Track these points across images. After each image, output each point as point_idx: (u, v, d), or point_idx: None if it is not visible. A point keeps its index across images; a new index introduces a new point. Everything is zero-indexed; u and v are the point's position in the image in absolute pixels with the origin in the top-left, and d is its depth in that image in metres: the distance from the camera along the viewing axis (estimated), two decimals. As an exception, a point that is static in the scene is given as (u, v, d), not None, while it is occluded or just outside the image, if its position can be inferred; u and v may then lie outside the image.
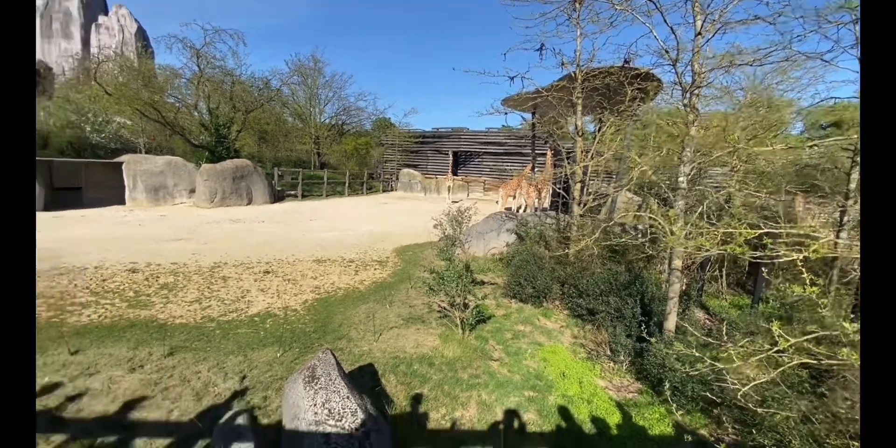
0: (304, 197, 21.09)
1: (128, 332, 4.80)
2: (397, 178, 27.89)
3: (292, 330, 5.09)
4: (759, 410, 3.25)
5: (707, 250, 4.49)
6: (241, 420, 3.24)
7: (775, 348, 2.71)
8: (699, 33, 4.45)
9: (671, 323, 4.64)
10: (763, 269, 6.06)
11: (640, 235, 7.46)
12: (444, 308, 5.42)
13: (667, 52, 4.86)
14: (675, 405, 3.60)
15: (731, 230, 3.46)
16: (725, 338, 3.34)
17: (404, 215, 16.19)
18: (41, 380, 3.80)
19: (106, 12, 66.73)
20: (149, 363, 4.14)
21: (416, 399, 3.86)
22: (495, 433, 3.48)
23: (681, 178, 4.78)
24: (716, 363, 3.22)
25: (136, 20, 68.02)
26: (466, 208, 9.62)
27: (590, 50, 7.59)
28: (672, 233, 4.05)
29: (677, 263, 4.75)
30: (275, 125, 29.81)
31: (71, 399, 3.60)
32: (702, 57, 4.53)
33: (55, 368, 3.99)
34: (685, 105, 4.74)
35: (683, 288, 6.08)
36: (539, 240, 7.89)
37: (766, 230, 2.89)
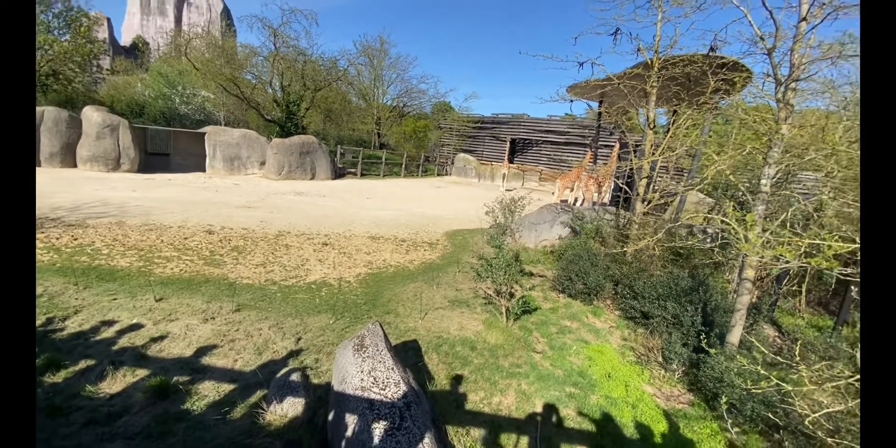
0: (362, 175, 21.81)
1: (203, 286, 5.32)
2: (452, 163, 27.91)
3: (345, 300, 5.37)
4: (830, 441, 2.96)
5: (786, 262, 4.09)
6: (294, 377, 3.50)
7: (857, 377, 2.44)
8: (804, 18, 3.90)
9: (735, 336, 4.32)
10: (853, 287, 5.41)
11: (708, 239, 6.93)
12: (490, 295, 5.42)
13: (762, 39, 4.34)
14: (730, 422, 3.38)
15: (818, 242, 3.11)
16: (798, 359, 3.06)
17: (457, 200, 16.25)
18: (130, 321, 4.34)
19: (198, -9, 71.60)
20: (219, 316, 4.57)
21: (457, 380, 3.94)
22: (532, 423, 3.48)
23: (763, 181, 4.34)
24: (783, 384, 2.97)
25: (222, 0, 72.59)
26: (520, 197, 9.45)
27: (671, 35, 6.98)
28: (747, 239, 3.72)
29: (749, 273, 4.37)
30: (340, 104, 30.81)
31: (154, 340, 4.09)
32: (804, 46, 3.99)
33: (142, 312, 4.53)
34: (778, 100, 4.25)
35: (753, 300, 5.60)
36: (595, 235, 7.59)
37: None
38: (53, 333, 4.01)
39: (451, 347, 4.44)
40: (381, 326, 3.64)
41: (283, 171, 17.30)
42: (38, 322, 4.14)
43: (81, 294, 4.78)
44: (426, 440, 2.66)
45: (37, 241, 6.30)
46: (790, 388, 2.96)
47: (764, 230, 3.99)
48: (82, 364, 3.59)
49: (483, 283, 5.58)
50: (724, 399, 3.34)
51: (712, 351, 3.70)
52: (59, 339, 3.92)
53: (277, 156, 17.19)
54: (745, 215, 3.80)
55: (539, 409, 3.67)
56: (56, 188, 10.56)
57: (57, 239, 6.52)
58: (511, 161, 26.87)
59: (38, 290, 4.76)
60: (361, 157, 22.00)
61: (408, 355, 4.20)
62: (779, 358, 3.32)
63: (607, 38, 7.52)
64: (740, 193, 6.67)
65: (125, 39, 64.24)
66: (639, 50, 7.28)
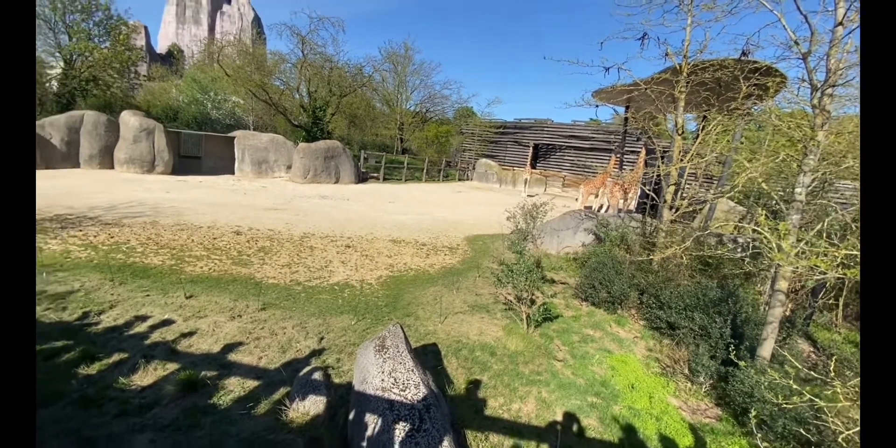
0: (385, 180, 22.08)
1: (231, 285, 5.49)
2: (474, 168, 27.92)
3: (366, 302, 5.44)
4: (867, 461, 2.80)
5: (822, 273, 3.91)
6: (317, 375, 3.56)
7: None
8: (840, 23, 3.75)
9: (766, 350, 4.15)
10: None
11: (739, 249, 6.70)
12: (511, 301, 5.38)
13: (797, 43, 4.20)
14: (760, 438, 3.24)
15: (855, 253, 2.98)
16: (833, 374, 2.92)
17: (478, 205, 16.24)
18: (162, 316, 4.51)
19: (230, 1, 74.60)
20: (245, 314, 4.71)
21: (475, 385, 3.92)
22: (552, 432, 3.42)
23: (798, 189, 4.16)
24: (816, 400, 2.84)
25: (253, 9, 75.34)
26: (542, 203, 9.37)
27: (700, 40, 6.83)
28: (780, 249, 3.59)
29: (782, 285, 4.20)
30: (364, 110, 31.41)
31: (184, 335, 4.23)
32: (841, 50, 3.83)
33: (173, 308, 4.71)
34: (813, 106, 4.09)
35: (787, 313, 5.37)
36: (620, 243, 7.44)
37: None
38: (89, 327, 4.20)
39: (470, 352, 4.43)
40: (402, 328, 3.67)
41: (308, 174, 17.69)
42: (74, 316, 4.36)
43: (117, 290, 5.00)
44: (445, 443, 2.66)
45: (75, 239, 6.64)
46: (824, 404, 2.82)
47: (798, 240, 3.83)
48: (116, 357, 3.74)
49: (503, 289, 5.55)
50: (753, 414, 3.21)
51: (742, 364, 3.56)
52: (95, 333, 4.10)
53: (303, 160, 17.61)
54: (777, 224, 3.66)
55: (559, 418, 3.61)
56: (94, 189, 11.11)
57: (94, 237, 6.86)
58: (534, 166, 26.70)
59: (76, 285, 5.00)
60: (384, 161, 22.31)
61: (427, 358, 4.21)
62: (813, 373, 3.18)
63: (634, 42, 7.41)
64: (773, 202, 6.44)
65: (161, 47, 67.33)
66: (667, 55, 7.16)
